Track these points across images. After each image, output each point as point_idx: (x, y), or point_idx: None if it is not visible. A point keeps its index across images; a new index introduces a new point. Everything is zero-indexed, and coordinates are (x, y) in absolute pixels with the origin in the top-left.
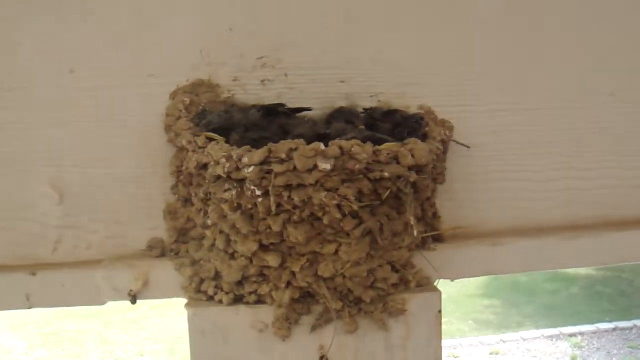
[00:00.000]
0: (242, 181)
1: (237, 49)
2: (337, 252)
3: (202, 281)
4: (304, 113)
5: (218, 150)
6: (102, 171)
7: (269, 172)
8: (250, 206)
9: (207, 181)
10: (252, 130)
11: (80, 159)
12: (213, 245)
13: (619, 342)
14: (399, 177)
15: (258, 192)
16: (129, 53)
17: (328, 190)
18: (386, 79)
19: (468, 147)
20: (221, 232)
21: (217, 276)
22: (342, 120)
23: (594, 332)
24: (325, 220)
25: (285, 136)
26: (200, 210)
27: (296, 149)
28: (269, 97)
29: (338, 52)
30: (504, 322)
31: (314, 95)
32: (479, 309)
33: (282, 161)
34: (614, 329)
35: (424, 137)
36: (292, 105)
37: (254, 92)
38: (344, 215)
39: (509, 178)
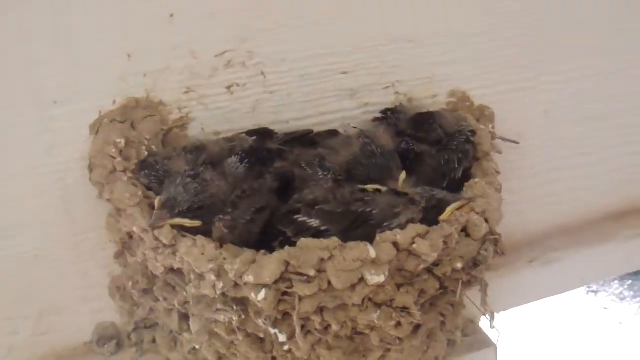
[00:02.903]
0: (243, 300)
1: (185, 44)
2: (383, 356)
3: None
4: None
5: (200, 258)
6: (7, 251)
7: (289, 293)
8: (261, 334)
9: (185, 292)
10: (240, 205)
11: None
12: (195, 349)
13: None
14: (475, 264)
15: (273, 326)
16: (11, 70)
17: (379, 304)
18: (406, 60)
19: (517, 143)
20: (211, 343)
21: None
22: (376, 167)
23: None
24: (374, 339)
25: (287, 198)
26: (171, 310)
27: (330, 258)
28: (241, 110)
29: (336, 30)
30: None
31: (305, 98)
32: None
33: (309, 279)
34: None
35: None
36: (278, 118)
37: (219, 105)
38: (398, 325)
39: (560, 167)
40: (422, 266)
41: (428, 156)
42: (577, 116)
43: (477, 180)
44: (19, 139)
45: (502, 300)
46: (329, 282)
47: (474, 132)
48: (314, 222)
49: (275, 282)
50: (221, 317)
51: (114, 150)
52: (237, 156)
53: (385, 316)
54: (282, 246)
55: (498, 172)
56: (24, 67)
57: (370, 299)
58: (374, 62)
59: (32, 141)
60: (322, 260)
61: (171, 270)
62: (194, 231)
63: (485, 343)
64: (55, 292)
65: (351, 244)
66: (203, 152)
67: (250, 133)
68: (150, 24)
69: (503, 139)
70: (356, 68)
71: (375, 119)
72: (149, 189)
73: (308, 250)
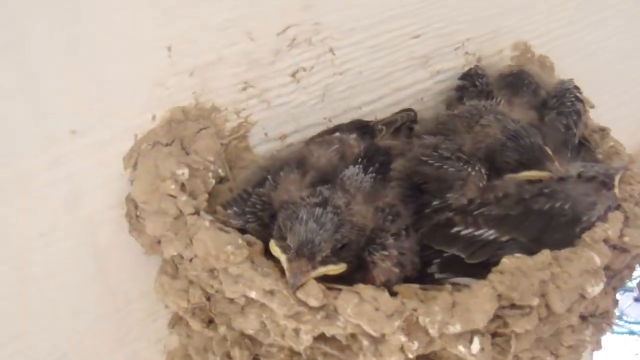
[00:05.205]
0: (430, 356)
1: (239, 22)
2: None
3: None
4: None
5: (376, 316)
6: (21, 356)
7: (499, 333)
8: None
9: None
10: (394, 231)
11: None
12: None
13: None
14: None
15: None
16: (6, 96)
17: (585, 317)
18: (472, 14)
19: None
20: None
21: None
22: (527, 150)
23: None
24: (568, 355)
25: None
26: None
27: (552, 278)
28: (308, 102)
29: None
30: None
31: (376, 75)
32: None
33: (527, 310)
34: None
35: None
36: (349, 105)
37: (283, 99)
38: None
39: (606, 110)
40: (627, 261)
41: (543, 123)
42: (620, 54)
43: (612, 144)
44: (24, 196)
45: None
46: (547, 307)
47: (578, 88)
48: (490, 234)
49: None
50: None
51: (172, 187)
52: (357, 165)
53: (596, 329)
54: (442, 271)
55: None
56: (23, 89)
57: (580, 316)
58: (443, 20)
59: (42, 196)
60: (543, 282)
61: (317, 339)
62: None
63: None
64: None
65: (565, 253)
66: (306, 166)
67: (344, 130)
68: (193, 3)
69: None
70: (426, 30)
71: (459, 88)
72: (242, 231)
73: (523, 274)
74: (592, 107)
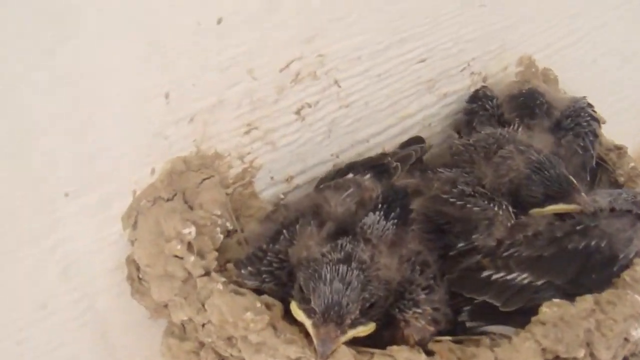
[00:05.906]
0: None
1: (240, 60)
2: None
3: None
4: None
5: None
6: None
7: None
8: None
9: None
10: (425, 283)
11: None
12: None
13: None
14: None
15: None
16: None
17: (626, 359)
18: (477, 31)
19: None
20: None
21: None
22: (553, 181)
23: None
24: None
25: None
26: None
27: (598, 326)
28: (314, 139)
29: (409, 7)
30: None
31: (383, 105)
32: None
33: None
34: None
35: None
36: (356, 138)
37: (288, 139)
38: None
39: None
40: None
41: (558, 145)
42: (618, 60)
43: (632, 164)
44: (21, 266)
45: None
46: (592, 355)
47: (592, 106)
48: (523, 277)
49: None
50: None
51: (179, 247)
52: (377, 212)
53: None
54: (473, 319)
55: None
56: (16, 150)
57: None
58: (449, 41)
59: (39, 264)
60: (588, 331)
61: None
62: None
63: None
64: None
65: (607, 297)
66: (322, 216)
67: (357, 169)
68: (191, 39)
69: None
70: (432, 52)
71: (469, 112)
72: (258, 292)
73: (566, 324)
74: (604, 122)
